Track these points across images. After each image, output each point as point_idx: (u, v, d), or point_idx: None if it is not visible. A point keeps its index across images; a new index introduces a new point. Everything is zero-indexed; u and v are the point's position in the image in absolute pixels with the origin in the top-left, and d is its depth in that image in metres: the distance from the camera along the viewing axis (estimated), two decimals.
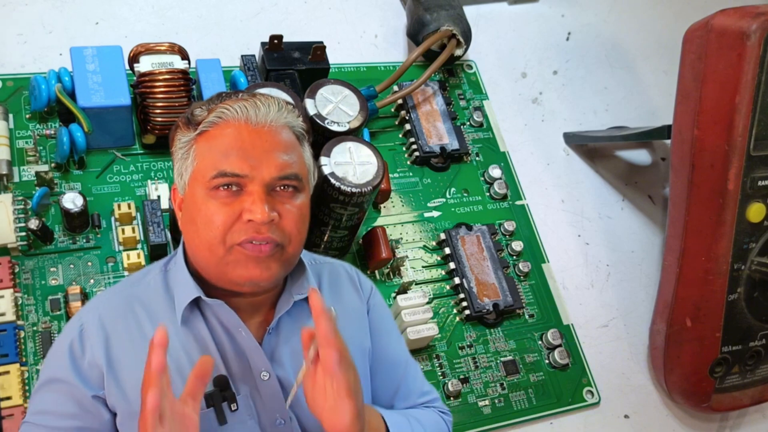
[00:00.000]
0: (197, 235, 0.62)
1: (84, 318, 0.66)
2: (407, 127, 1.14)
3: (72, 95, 0.93)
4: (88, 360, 0.63)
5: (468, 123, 1.21)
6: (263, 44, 1.07)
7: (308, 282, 0.68)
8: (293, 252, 0.63)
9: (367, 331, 0.74)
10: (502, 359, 1.03)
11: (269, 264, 0.61)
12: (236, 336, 0.65)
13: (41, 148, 0.96)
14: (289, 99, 0.66)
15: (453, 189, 1.15)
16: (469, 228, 1.09)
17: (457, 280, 1.04)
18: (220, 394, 0.62)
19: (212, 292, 0.65)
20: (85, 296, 0.88)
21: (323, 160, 0.88)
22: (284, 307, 0.66)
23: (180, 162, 0.65)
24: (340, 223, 0.93)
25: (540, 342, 1.07)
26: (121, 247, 0.93)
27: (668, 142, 1.12)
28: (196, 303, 0.65)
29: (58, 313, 0.87)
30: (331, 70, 1.10)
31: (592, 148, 1.29)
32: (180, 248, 0.68)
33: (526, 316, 1.08)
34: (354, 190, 0.88)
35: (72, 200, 0.89)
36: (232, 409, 0.63)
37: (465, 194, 1.15)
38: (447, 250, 1.06)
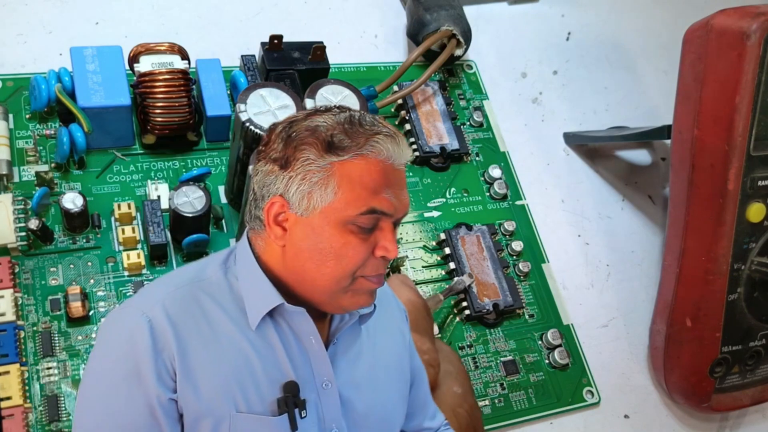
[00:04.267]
0: (323, 265, 0.60)
1: (149, 312, 0.61)
2: (407, 127, 1.14)
3: (72, 95, 0.93)
4: (163, 359, 0.60)
5: (468, 123, 1.21)
6: (263, 44, 1.06)
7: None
8: None
9: (407, 350, 0.75)
10: (502, 359, 1.03)
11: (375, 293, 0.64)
12: (305, 343, 0.64)
13: (41, 148, 0.96)
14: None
15: (453, 189, 1.14)
16: (469, 228, 1.09)
17: None
18: (292, 400, 0.62)
19: (288, 299, 0.63)
20: (85, 296, 0.88)
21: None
22: (351, 320, 0.67)
23: (309, 184, 0.60)
24: None
25: (540, 342, 1.07)
26: (121, 247, 0.93)
27: (668, 142, 1.12)
28: None
29: (58, 313, 0.87)
30: (331, 70, 1.09)
31: (592, 148, 1.29)
32: (245, 250, 0.65)
33: (526, 316, 1.08)
34: None
35: (72, 200, 0.89)
36: (302, 416, 0.62)
37: (465, 194, 1.15)
38: (447, 250, 1.06)
